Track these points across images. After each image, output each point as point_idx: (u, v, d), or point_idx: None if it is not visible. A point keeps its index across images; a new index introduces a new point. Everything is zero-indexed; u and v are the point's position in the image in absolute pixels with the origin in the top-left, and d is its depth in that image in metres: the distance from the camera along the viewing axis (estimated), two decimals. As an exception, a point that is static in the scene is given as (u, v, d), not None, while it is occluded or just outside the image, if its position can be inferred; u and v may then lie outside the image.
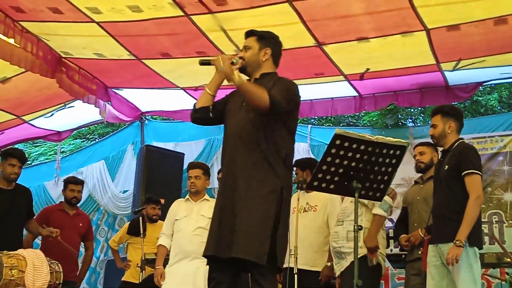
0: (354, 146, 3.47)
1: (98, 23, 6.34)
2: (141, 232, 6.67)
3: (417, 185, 5.91)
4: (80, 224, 7.02)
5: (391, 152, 3.57)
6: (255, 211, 3.54)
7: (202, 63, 3.85)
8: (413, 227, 5.62)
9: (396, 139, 3.59)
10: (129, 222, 7.85)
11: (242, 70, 3.82)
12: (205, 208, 5.65)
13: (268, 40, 3.89)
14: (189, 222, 5.64)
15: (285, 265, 5.42)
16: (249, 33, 3.94)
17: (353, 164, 3.52)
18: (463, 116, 4.88)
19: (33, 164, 12.24)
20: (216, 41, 6.67)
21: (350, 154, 3.48)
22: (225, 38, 6.53)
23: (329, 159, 3.49)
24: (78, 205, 7.15)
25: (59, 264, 5.85)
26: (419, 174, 5.94)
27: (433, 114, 4.79)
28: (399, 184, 8.47)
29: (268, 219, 3.53)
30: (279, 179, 3.61)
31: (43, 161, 12.47)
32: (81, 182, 7.18)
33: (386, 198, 5.16)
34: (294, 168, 5.95)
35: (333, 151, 3.47)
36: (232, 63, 3.74)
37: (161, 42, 6.82)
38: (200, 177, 5.78)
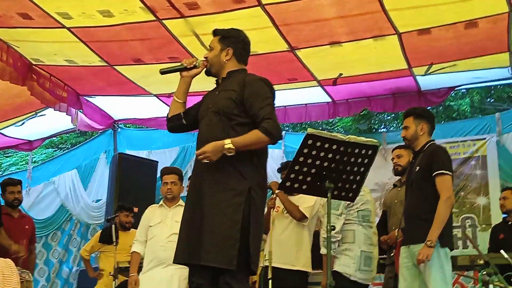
0: (326, 146, 3.44)
1: (68, 28, 6.28)
2: (114, 240, 6.59)
3: (395, 188, 5.95)
4: (26, 227, 6.92)
5: (363, 152, 3.55)
6: (222, 216, 3.49)
7: (163, 72, 3.88)
8: (391, 230, 5.64)
9: (367, 139, 3.58)
10: (101, 230, 7.75)
11: (208, 71, 3.81)
12: (180, 214, 5.55)
13: (229, 39, 3.82)
14: (163, 229, 5.57)
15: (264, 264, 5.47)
16: (213, 33, 3.89)
17: (326, 164, 3.49)
18: (434, 119, 4.90)
19: (4, 174, 12.06)
20: (188, 46, 6.64)
21: (322, 154, 3.45)
22: (198, 42, 6.50)
23: (301, 159, 3.47)
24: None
25: (30, 274, 5.76)
26: (393, 179, 5.97)
27: (405, 116, 4.81)
28: (373, 190, 8.50)
29: (235, 224, 3.46)
30: (245, 180, 3.53)
31: (14, 171, 12.28)
32: (19, 182, 7.02)
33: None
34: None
35: (305, 151, 3.44)
36: (195, 66, 3.76)
37: (133, 47, 6.77)
38: (176, 182, 5.72)
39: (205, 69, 3.79)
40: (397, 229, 5.37)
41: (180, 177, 5.81)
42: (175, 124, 3.93)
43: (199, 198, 3.60)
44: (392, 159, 5.94)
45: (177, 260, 3.67)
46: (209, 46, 3.87)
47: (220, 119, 3.64)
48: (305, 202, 5.68)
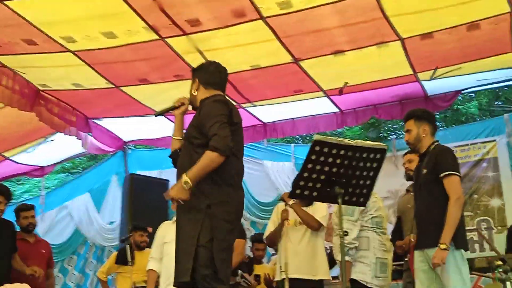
0: (334, 151, 3.46)
1: (73, 52, 6.33)
2: (129, 260, 6.60)
3: (408, 194, 5.93)
4: (43, 251, 6.92)
5: (371, 156, 3.56)
6: (183, 234, 3.73)
7: (157, 114, 4.32)
8: (406, 235, 5.61)
9: (375, 143, 3.59)
10: (117, 251, 7.76)
11: (192, 107, 4.12)
12: None
13: (196, 72, 4.11)
14: (177, 246, 5.57)
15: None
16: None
17: (334, 169, 3.50)
18: (435, 119, 4.88)
19: (17, 201, 12.09)
20: (193, 63, 6.64)
21: (330, 160, 3.47)
22: (202, 59, 6.53)
23: (309, 166, 3.48)
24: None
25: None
26: (405, 186, 5.96)
27: (406, 120, 4.80)
28: (386, 197, 8.49)
29: (192, 238, 3.65)
30: (204, 197, 3.68)
31: (27, 198, 12.34)
32: (32, 207, 7.06)
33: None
34: None
35: (313, 157, 3.46)
36: (183, 104, 4.14)
37: (138, 68, 6.81)
38: None
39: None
40: (411, 234, 5.36)
41: None
42: (176, 158, 4.07)
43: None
44: (403, 164, 5.93)
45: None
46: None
47: (186, 145, 3.90)
48: (319, 211, 5.70)
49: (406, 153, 5.96)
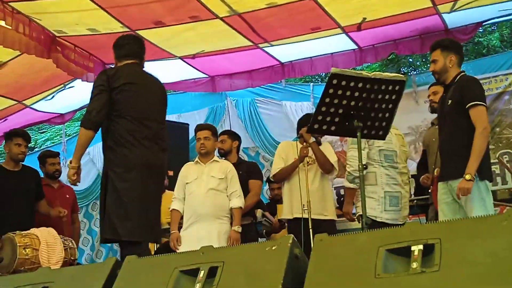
0: (352, 84, 3.42)
1: (87, -5, 6.27)
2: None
3: (432, 127, 5.84)
4: (67, 196, 7.00)
5: (390, 87, 3.52)
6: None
7: None
8: (431, 168, 5.56)
9: (393, 74, 3.54)
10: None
11: None
12: (215, 169, 5.68)
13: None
14: (200, 184, 5.64)
15: (299, 216, 5.46)
16: None
17: (352, 103, 3.47)
18: (462, 49, 4.77)
19: (40, 149, 12.23)
20: (208, 3, 6.57)
21: (348, 93, 3.44)
22: (217, -1, 6.45)
23: (327, 100, 3.45)
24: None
25: (73, 241, 5.88)
26: (426, 122, 5.87)
27: (432, 49, 4.67)
28: (406, 134, 8.41)
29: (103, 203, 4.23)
30: (107, 162, 4.22)
31: (49, 145, 12.46)
32: (57, 154, 7.15)
33: (350, 170, 5.15)
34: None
35: (331, 91, 3.42)
36: None
37: (153, 10, 6.72)
38: (209, 138, 5.78)
39: None
40: (435, 168, 5.31)
41: (214, 133, 5.87)
42: None
43: None
44: (428, 96, 5.84)
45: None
46: None
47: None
48: (330, 156, 5.72)
49: (431, 85, 5.86)
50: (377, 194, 5.12)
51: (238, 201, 5.62)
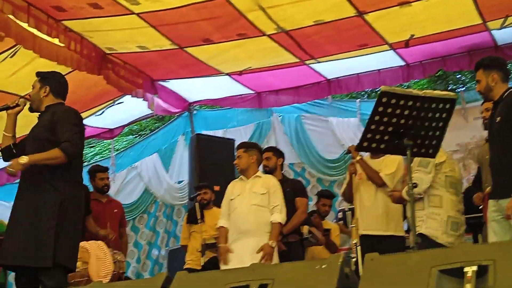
0: (402, 102, 3.41)
1: (137, 14, 6.39)
2: (199, 217, 6.73)
3: (486, 143, 5.74)
4: (115, 210, 7.09)
5: (440, 106, 3.50)
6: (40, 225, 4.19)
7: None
8: (484, 186, 5.46)
9: (444, 92, 3.52)
10: (186, 213, 7.87)
11: (30, 107, 4.50)
12: (258, 185, 5.70)
13: (47, 79, 4.50)
14: (242, 201, 5.66)
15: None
16: (36, 75, 4.56)
17: (402, 121, 3.46)
18: (506, 65, 4.68)
19: (89, 163, 12.45)
20: (255, 21, 6.64)
21: (398, 111, 3.42)
22: (265, 16, 6.49)
23: (377, 118, 3.44)
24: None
25: (122, 254, 5.96)
26: (475, 139, 5.80)
27: (475, 70, 4.62)
28: (455, 151, 8.32)
29: (49, 229, 4.16)
30: (58, 193, 4.20)
31: (98, 160, 12.69)
32: (106, 169, 7.28)
33: (415, 191, 5.01)
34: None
35: (380, 109, 3.42)
36: (17, 105, 4.47)
37: (202, 28, 6.82)
38: (241, 156, 5.83)
39: (28, 106, 4.49)
40: (488, 186, 5.22)
41: (247, 149, 5.89)
42: (6, 154, 4.54)
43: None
44: (481, 112, 5.76)
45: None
46: (32, 86, 4.53)
47: (35, 143, 4.32)
48: (387, 167, 5.55)
49: (483, 102, 5.79)
50: (440, 216, 5.02)
51: (278, 217, 5.60)
